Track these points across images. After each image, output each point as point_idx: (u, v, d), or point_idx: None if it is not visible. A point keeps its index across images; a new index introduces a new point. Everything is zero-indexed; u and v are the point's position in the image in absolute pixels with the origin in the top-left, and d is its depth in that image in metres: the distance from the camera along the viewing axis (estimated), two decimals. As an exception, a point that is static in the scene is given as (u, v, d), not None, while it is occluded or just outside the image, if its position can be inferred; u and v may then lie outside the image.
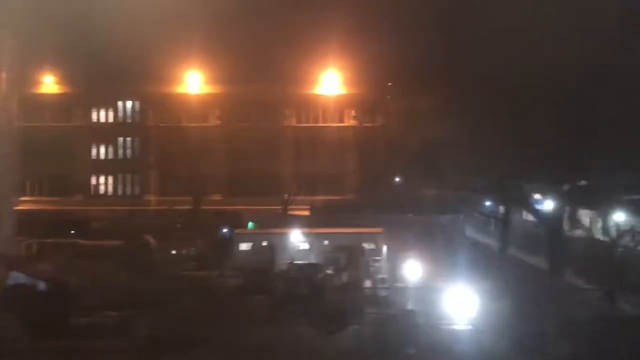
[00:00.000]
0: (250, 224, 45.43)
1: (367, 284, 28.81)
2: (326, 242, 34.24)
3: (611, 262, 28.41)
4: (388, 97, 57.97)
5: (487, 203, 46.34)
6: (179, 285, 24.59)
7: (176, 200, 52.55)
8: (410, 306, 23.44)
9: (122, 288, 24.26)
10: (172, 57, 54.98)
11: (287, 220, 42.73)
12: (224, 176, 57.79)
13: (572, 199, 36.89)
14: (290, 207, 48.16)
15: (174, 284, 24.64)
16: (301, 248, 34.01)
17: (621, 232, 30.72)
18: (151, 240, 31.62)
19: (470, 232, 45.11)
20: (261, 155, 56.77)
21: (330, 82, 59.45)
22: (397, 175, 54.55)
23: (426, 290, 23.78)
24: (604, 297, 25.40)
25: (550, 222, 35.98)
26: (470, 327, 16.82)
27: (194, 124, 58.64)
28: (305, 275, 27.33)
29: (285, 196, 48.87)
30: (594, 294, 26.94)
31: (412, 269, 25.72)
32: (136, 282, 24.96)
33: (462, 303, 15.44)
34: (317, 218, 44.41)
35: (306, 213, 47.63)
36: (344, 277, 28.96)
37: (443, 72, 44.98)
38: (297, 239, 34.13)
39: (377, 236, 34.93)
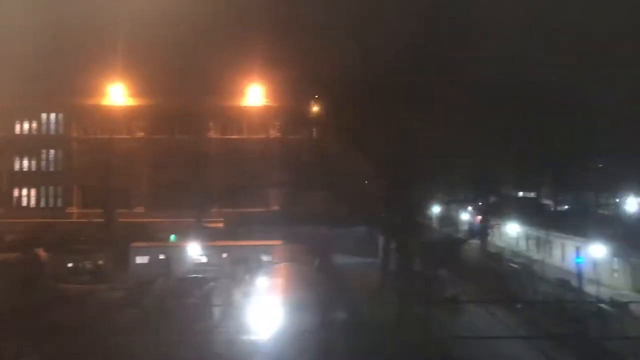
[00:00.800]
0: (172, 237, 45.56)
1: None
2: (225, 255, 34.68)
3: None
4: (313, 109, 58.58)
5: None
6: (52, 297, 24.77)
7: (97, 213, 52.22)
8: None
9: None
10: (96, 69, 54.84)
11: (201, 233, 42.97)
12: (147, 188, 57.63)
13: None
14: (205, 219, 48.30)
15: (48, 296, 24.81)
16: (199, 261, 34.37)
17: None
18: (41, 253, 31.62)
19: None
20: (185, 168, 56.69)
21: (255, 94, 59.94)
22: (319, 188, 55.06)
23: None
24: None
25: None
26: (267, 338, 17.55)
27: (117, 136, 58.30)
28: (186, 289, 27.73)
29: (201, 208, 48.98)
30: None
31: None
32: (11, 293, 25.02)
33: (264, 316, 16.08)
34: (229, 230, 44.81)
35: (220, 225, 47.91)
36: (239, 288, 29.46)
37: (369, 84, 45.84)
38: (195, 252, 34.46)
39: (276, 249, 35.57)
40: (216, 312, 24.64)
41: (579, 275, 34.12)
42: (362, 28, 46.30)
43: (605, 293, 34.75)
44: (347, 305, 24.63)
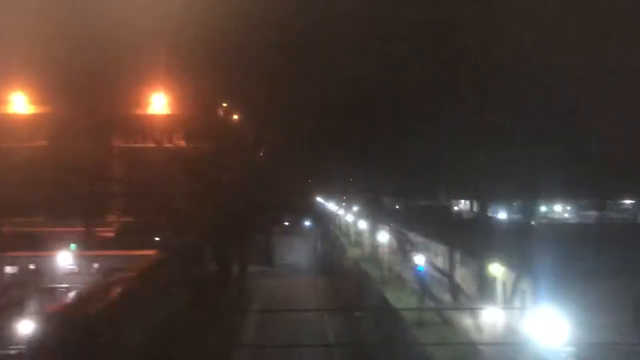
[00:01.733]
0: (72, 246, 45.27)
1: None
2: (96, 265, 34.79)
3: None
4: (219, 118, 58.91)
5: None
6: None
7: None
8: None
9: None
10: (-4, 78, 53.99)
11: (92, 242, 42.98)
12: (47, 197, 56.77)
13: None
14: (96, 228, 48.17)
15: None
16: (70, 271, 34.43)
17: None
18: None
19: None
20: (87, 176, 56.09)
21: (160, 102, 59.94)
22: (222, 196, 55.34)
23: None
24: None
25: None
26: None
27: (18, 145, 57.43)
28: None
29: (94, 217, 48.80)
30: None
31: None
32: None
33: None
34: (118, 240, 44.84)
35: (111, 234, 47.84)
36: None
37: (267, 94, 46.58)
38: (66, 261, 34.51)
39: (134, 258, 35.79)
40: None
41: (421, 284, 35.69)
42: (267, 38, 47.17)
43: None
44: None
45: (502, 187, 45.19)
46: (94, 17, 54.29)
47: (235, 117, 58.58)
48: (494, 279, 35.06)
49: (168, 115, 59.52)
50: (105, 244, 41.61)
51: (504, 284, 33.93)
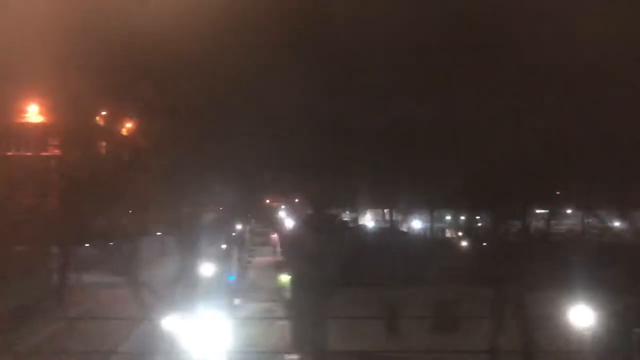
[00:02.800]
0: None
1: None
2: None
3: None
4: (99, 126, 57.65)
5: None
6: None
7: None
8: None
9: None
10: None
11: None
12: None
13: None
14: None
15: None
16: None
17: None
18: None
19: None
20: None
21: (36, 110, 57.83)
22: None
23: None
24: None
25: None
26: None
27: None
28: None
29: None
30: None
31: None
32: None
33: None
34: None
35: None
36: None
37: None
38: None
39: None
40: None
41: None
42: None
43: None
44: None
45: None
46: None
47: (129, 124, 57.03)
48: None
49: (42, 123, 57.53)
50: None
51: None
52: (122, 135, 54.68)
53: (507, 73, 34.02)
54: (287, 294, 40.34)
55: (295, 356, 31.32)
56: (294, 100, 35.98)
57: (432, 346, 28.61)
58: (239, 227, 60.49)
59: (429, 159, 38.61)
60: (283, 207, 63.46)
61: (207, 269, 36.73)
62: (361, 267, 33.80)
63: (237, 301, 41.73)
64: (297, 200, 57.96)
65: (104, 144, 53.10)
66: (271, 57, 36.76)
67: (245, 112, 42.46)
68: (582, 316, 26.83)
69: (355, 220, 61.83)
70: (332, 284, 33.91)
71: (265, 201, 62.48)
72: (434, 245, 51.02)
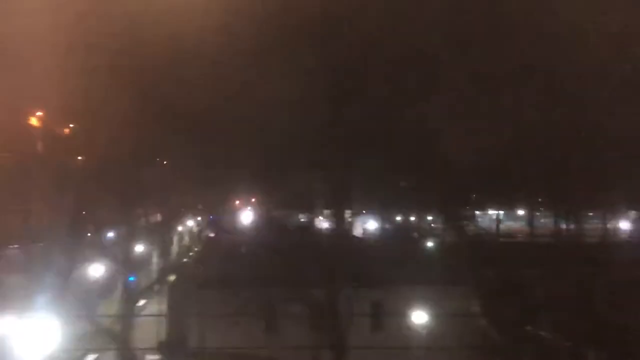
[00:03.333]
0: None
1: None
2: None
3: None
4: (35, 125, 55.32)
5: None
6: None
7: None
8: None
9: None
10: None
11: None
12: None
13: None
14: None
15: None
16: None
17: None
18: None
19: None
20: None
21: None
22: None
23: None
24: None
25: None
26: None
27: None
28: None
29: None
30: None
31: None
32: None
33: None
34: None
35: None
36: None
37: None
38: None
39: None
40: None
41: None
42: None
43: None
44: None
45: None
46: None
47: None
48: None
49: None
50: None
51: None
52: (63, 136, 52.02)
53: (460, 70, 33.23)
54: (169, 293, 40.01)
55: (156, 356, 30.79)
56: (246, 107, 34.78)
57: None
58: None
59: (377, 159, 37.62)
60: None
61: (95, 270, 35.59)
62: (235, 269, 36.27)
63: (141, 302, 40.73)
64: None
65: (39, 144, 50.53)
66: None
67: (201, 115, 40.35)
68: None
69: (311, 221, 61.32)
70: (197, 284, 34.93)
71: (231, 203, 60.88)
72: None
